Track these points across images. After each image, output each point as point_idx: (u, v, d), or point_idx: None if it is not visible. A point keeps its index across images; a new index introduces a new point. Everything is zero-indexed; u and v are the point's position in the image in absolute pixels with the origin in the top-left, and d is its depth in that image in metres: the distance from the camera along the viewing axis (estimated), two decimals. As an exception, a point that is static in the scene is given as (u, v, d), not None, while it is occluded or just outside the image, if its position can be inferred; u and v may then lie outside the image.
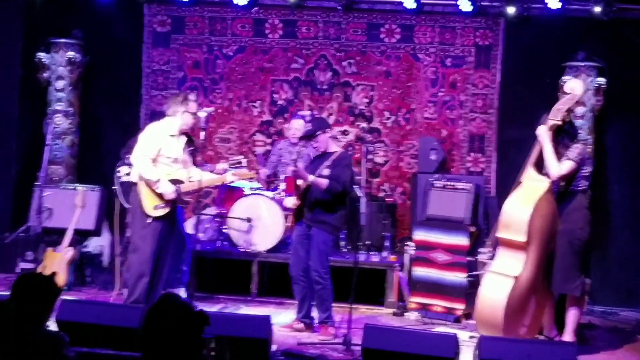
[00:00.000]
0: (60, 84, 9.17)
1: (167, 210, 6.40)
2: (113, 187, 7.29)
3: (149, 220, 6.35)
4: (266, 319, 5.45)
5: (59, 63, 9.16)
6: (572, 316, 6.17)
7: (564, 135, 6.19)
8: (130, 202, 6.59)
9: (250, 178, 6.76)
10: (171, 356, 3.18)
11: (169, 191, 6.36)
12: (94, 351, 5.10)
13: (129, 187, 6.93)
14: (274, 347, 5.45)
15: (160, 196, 6.35)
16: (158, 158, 6.42)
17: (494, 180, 8.86)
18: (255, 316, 6.05)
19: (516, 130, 8.75)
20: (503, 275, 6.09)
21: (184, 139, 6.57)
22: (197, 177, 6.52)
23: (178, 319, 3.24)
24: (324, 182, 6.24)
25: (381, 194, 9.07)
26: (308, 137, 6.54)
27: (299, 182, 6.49)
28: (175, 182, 6.41)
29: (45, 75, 9.20)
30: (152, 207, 6.38)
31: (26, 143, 9.26)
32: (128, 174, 6.96)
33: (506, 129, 8.88)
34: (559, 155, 6.13)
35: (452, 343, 5.13)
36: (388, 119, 9.13)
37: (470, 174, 8.83)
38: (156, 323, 3.26)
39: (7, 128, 9.19)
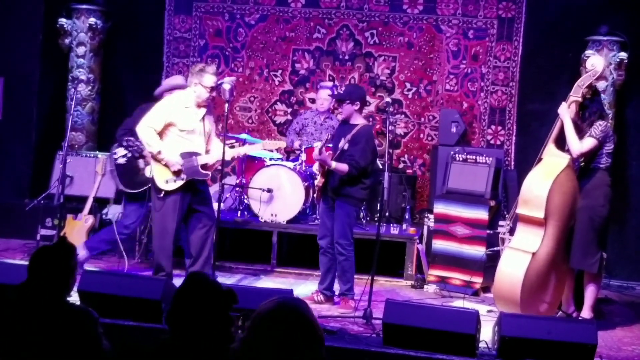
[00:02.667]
0: (81, 50, 9.20)
1: (179, 183, 6.38)
2: (110, 169, 7.24)
3: (161, 195, 6.37)
4: (288, 293, 5.52)
5: (81, 29, 9.18)
6: (590, 293, 6.20)
7: (586, 112, 6.17)
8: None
9: (278, 148, 6.63)
10: (200, 334, 3.23)
11: (173, 161, 6.32)
12: (115, 322, 5.21)
13: (126, 170, 7.00)
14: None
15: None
16: (169, 130, 6.38)
17: (513, 153, 8.86)
18: (278, 290, 6.12)
19: (537, 103, 8.75)
20: (521, 251, 6.12)
21: (203, 111, 6.48)
22: (218, 149, 6.46)
23: (207, 297, 3.29)
24: (344, 169, 6.26)
25: (401, 166, 9.09)
26: (337, 100, 6.52)
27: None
28: (191, 154, 6.41)
29: (66, 41, 9.23)
30: (164, 180, 6.39)
31: (47, 109, 9.33)
32: (124, 156, 6.99)
33: (527, 102, 8.85)
34: (582, 132, 6.11)
35: (473, 319, 5.18)
36: (409, 90, 9.12)
37: (491, 146, 8.83)
38: (185, 301, 3.31)
39: (28, 94, 9.23)
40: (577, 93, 6.24)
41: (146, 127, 6.34)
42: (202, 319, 3.24)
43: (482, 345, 5.25)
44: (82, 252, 6.82)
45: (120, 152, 7.04)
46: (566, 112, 6.17)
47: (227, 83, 6.37)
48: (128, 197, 7.14)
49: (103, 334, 3.66)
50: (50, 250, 3.72)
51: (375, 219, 8.19)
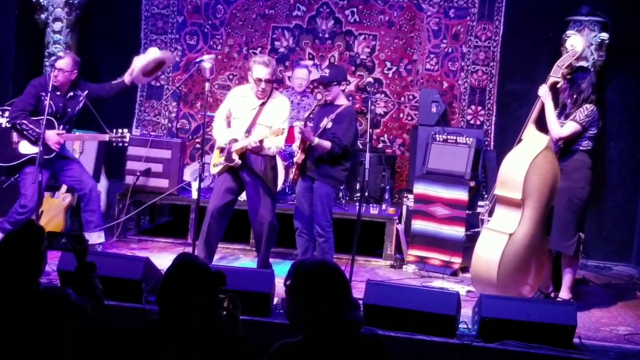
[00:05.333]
0: (57, 25, 9.05)
1: (220, 167, 6.43)
2: None
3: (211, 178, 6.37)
4: (270, 274, 5.51)
5: (57, 4, 9.02)
6: (567, 274, 6.22)
7: (570, 92, 6.14)
8: None
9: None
10: (189, 314, 3.24)
11: (219, 143, 6.48)
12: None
13: None
14: (275, 300, 5.49)
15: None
16: (230, 117, 6.49)
17: (493, 133, 8.85)
18: (259, 270, 6.10)
19: (517, 83, 8.75)
20: (498, 232, 6.13)
21: (258, 101, 6.38)
22: (256, 136, 6.26)
23: (196, 279, 3.30)
24: (327, 145, 6.23)
25: (380, 145, 9.06)
26: (324, 84, 6.44)
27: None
28: (233, 140, 6.36)
29: (42, 16, 9.08)
30: (213, 164, 6.52)
31: (23, 86, 9.15)
32: None
33: (507, 82, 8.84)
34: (568, 114, 6.09)
35: (454, 300, 5.19)
36: (389, 69, 9.07)
37: (470, 126, 8.82)
38: (175, 282, 3.32)
39: (3, 70, 9.08)
40: (556, 73, 6.24)
41: (215, 116, 6.55)
42: (191, 300, 3.25)
43: (462, 326, 5.26)
44: None
45: None
46: (547, 94, 6.16)
47: (207, 61, 6.31)
48: (20, 172, 7.01)
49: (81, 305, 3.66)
50: (18, 235, 3.68)
51: (355, 199, 8.18)
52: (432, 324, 5.08)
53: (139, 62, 6.94)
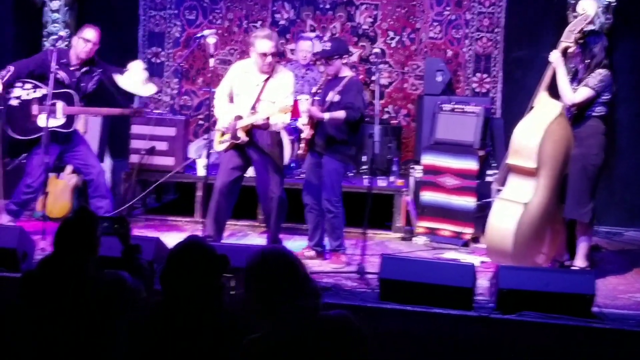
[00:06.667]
0: (55, 4, 8.93)
1: (226, 144, 6.32)
2: None
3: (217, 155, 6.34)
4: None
5: (54, -18, 8.90)
6: (583, 242, 6.15)
7: (583, 57, 6.03)
8: None
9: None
10: (191, 297, 3.18)
11: (220, 124, 6.36)
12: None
13: (18, 113, 6.72)
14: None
15: None
16: (233, 94, 6.35)
17: (499, 101, 8.74)
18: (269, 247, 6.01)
19: (523, 50, 8.62)
20: (513, 202, 6.03)
21: (261, 76, 6.25)
22: (263, 114, 6.15)
23: (199, 262, 3.23)
24: (340, 115, 6.13)
25: (385, 117, 8.95)
26: (325, 58, 6.32)
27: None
28: (237, 117, 6.24)
29: (39, -5, 8.96)
30: (218, 141, 6.39)
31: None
32: (18, 98, 6.72)
33: (513, 48, 8.72)
34: (580, 79, 5.98)
35: (470, 272, 5.13)
36: (392, 39, 8.95)
37: (476, 95, 8.71)
38: (178, 265, 3.25)
39: (3, 49, 8.95)
40: (568, 38, 6.09)
41: (217, 92, 6.38)
42: (194, 282, 3.18)
43: (479, 298, 5.19)
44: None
45: (15, 93, 6.73)
46: (559, 59, 6.04)
47: (212, 37, 6.19)
48: (28, 151, 6.92)
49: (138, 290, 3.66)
50: (73, 222, 3.65)
51: (361, 171, 8.10)
52: (449, 297, 5.01)
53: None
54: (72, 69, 6.74)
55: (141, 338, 3.20)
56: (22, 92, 6.71)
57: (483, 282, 5.48)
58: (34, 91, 6.71)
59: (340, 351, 2.77)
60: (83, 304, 3.44)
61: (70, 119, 6.71)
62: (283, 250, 3.04)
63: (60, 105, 6.65)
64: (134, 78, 6.73)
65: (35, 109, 6.69)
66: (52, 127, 6.60)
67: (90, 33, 6.71)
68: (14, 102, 6.72)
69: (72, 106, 6.70)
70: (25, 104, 6.72)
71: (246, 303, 2.97)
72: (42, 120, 6.56)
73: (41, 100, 6.62)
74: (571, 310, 4.92)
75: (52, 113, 6.58)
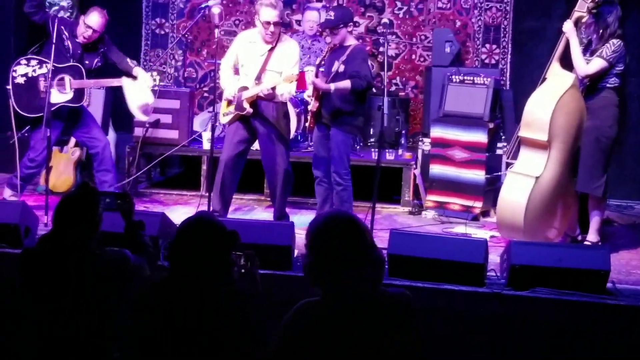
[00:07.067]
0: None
1: (230, 116, 6.21)
2: (6, 87, 6.73)
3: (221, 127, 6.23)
4: (289, 226, 5.35)
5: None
6: (595, 216, 6.05)
7: (596, 26, 5.89)
8: None
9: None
10: (200, 274, 3.11)
11: (225, 94, 6.24)
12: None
13: (24, 90, 6.61)
14: (296, 253, 5.33)
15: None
16: (238, 65, 6.23)
17: (509, 72, 8.60)
18: (279, 223, 5.93)
19: (533, 20, 8.46)
20: (524, 176, 5.93)
21: (266, 46, 6.12)
22: (268, 84, 6.02)
23: (209, 238, 3.15)
24: (347, 85, 5.99)
25: (393, 89, 8.82)
26: (330, 27, 6.18)
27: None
28: (243, 88, 6.13)
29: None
30: (223, 113, 6.28)
31: (24, 40, 8.92)
32: (24, 75, 6.61)
33: (522, 19, 8.56)
34: (594, 50, 5.85)
35: (482, 248, 5.02)
36: (400, 9, 8.79)
37: (485, 66, 8.57)
38: (187, 240, 3.18)
39: (5, 19, 8.83)
40: (581, 8, 5.95)
41: (222, 63, 6.26)
42: (202, 258, 3.10)
43: (490, 274, 5.10)
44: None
45: (20, 70, 6.63)
46: (572, 29, 5.90)
47: (216, 6, 6.05)
48: (32, 126, 6.81)
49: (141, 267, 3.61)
50: (74, 198, 3.57)
51: (369, 144, 7.99)
52: (460, 273, 4.92)
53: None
54: (78, 40, 6.64)
55: (145, 316, 3.13)
56: (28, 69, 6.61)
57: (493, 258, 5.38)
58: (40, 67, 6.60)
59: (396, 330, 2.76)
60: (84, 281, 3.37)
61: (78, 93, 6.60)
62: (350, 215, 2.94)
63: (68, 79, 6.54)
64: (138, 94, 6.73)
65: (42, 85, 6.58)
66: (61, 102, 6.50)
67: (94, 19, 6.58)
68: (20, 80, 6.62)
69: (82, 79, 6.60)
70: (32, 81, 6.61)
71: (307, 265, 2.88)
72: (52, 96, 6.47)
73: (47, 76, 6.51)
74: (585, 286, 4.82)
75: (60, 87, 6.49)
